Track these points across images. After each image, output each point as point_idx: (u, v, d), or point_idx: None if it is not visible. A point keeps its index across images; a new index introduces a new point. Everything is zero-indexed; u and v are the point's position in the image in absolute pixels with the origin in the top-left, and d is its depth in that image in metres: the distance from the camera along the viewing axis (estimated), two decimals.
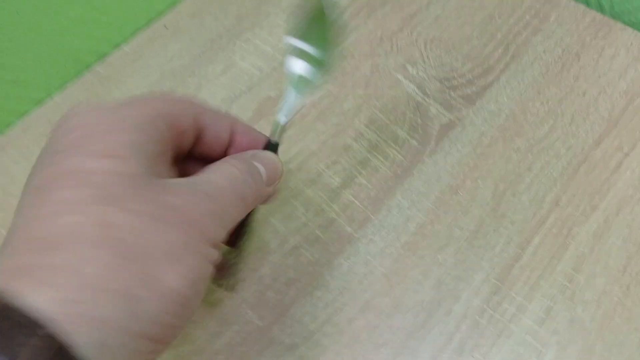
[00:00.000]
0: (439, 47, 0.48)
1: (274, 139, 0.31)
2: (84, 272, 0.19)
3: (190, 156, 0.29)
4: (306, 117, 0.44)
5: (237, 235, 0.31)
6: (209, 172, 0.25)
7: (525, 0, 0.50)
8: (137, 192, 0.21)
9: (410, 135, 0.43)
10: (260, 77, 0.47)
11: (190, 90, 0.46)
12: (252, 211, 0.30)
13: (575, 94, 0.45)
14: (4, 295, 0.18)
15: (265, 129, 0.43)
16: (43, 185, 0.21)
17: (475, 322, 0.36)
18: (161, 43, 0.49)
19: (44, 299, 0.18)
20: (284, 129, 0.31)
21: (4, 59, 0.41)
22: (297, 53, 0.32)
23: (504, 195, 0.40)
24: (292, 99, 0.31)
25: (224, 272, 0.33)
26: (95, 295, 0.19)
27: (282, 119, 0.31)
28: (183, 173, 0.27)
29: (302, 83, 0.31)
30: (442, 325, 0.36)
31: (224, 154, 0.29)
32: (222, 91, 0.46)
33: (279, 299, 0.37)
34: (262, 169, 0.28)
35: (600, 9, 0.52)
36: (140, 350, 0.20)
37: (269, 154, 0.30)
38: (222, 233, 0.24)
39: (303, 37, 0.32)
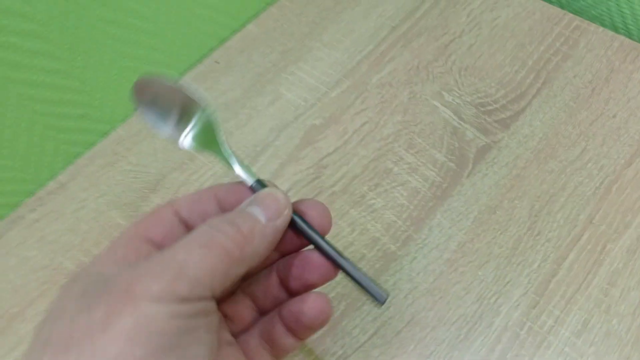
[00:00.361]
0: (473, 75, 0.51)
1: (252, 179, 0.29)
2: None
3: None
4: (349, 144, 0.48)
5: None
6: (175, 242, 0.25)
7: (554, 27, 0.53)
8: (79, 299, 0.23)
9: (448, 159, 0.46)
10: (305, 107, 0.50)
11: (241, 121, 0.50)
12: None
13: (606, 116, 0.47)
14: None
15: (312, 156, 0.47)
16: None
17: (516, 334, 0.38)
18: (213, 77, 0.53)
19: None
20: (248, 169, 0.29)
21: (76, 97, 0.46)
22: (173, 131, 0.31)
23: (540, 214, 0.43)
24: (223, 149, 0.30)
25: None
26: None
27: (237, 169, 0.29)
28: None
29: (203, 135, 0.31)
30: (484, 338, 0.38)
31: None
32: (270, 121, 0.50)
33: None
34: (256, 210, 0.27)
35: (629, 34, 0.54)
36: None
37: (259, 193, 0.28)
38: (183, 287, 0.23)
39: (163, 115, 0.31)
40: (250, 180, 0.29)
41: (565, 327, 0.38)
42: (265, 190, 0.28)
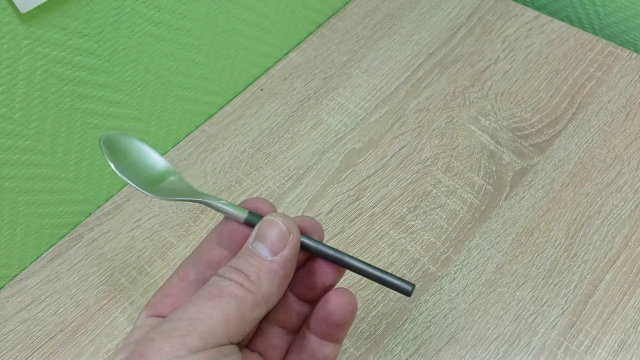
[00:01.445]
0: (508, 100, 0.52)
1: (244, 215, 0.28)
2: None
3: None
4: (388, 167, 0.50)
5: None
6: None
7: (588, 53, 0.54)
8: None
9: (485, 182, 0.48)
10: (345, 131, 0.53)
11: (285, 145, 0.52)
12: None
13: None
14: None
15: (352, 178, 0.49)
16: None
17: (553, 353, 0.39)
18: (258, 104, 0.55)
19: None
20: (231, 206, 0.28)
21: (133, 124, 0.49)
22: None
23: (576, 237, 0.44)
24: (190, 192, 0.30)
25: None
26: None
27: (220, 205, 0.28)
28: None
29: (172, 183, 0.30)
30: (522, 356, 0.39)
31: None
32: (312, 145, 0.52)
33: (372, 330, 0.42)
34: (259, 247, 0.26)
35: None
36: None
37: (260, 226, 0.27)
38: (196, 340, 0.23)
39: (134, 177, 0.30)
40: (242, 216, 0.28)
41: (602, 347, 0.39)
42: (265, 220, 0.27)
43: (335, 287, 0.29)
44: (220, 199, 0.28)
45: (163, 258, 0.47)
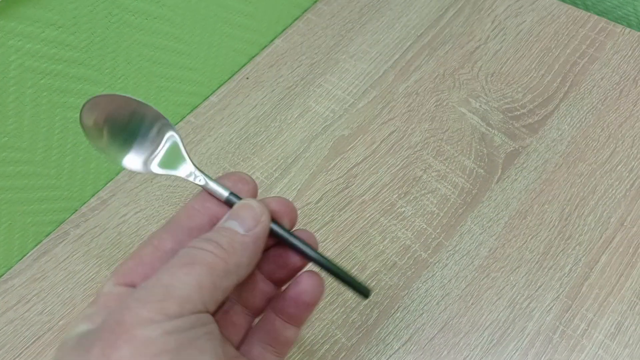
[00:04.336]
0: (499, 81, 0.51)
1: (225, 194, 0.28)
2: None
3: None
4: (378, 153, 0.49)
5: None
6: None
7: (580, 30, 0.53)
8: (75, 347, 0.24)
9: (477, 165, 0.47)
10: (333, 118, 0.52)
11: (272, 134, 0.51)
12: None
13: (635, 118, 0.47)
14: None
15: (342, 165, 0.48)
16: None
17: (549, 338, 0.39)
18: (244, 93, 0.54)
19: None
20: (215, 183, 0.28)
21: None
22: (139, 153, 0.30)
23: (570, 218, 0.43)
24: (185, 164, 0.29)
25: None
26: None
27: (201, 180, 0.29)
28: None
29: (168, 155, 0.30)
30: (517, 342, 0.39)
31: None
32: (300, 133, 0.51)
33: (364, 320, 0.41)
34: (232, 223, 0.27)
35: None
36: None
37: (234, 207, 0.28)
38: (173, 306, 0.23)
39: (125, 141, 0.30)
40: (224, 193, 0.28)
41: (598, 330, 0.38)
42: (241, 203, 0.28)
43: (306, 269, 0.30)
44: (208, 176, 0.29)
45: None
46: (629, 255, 0.41)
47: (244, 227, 0.27)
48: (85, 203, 0.50)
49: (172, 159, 0.30)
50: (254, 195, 0.30)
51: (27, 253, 0.48)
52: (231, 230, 0.27)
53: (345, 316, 0.41)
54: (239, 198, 0.28)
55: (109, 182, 0.51)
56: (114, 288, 0.27)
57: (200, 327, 0.24)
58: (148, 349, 0.22)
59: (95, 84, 0.45)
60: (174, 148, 0.30)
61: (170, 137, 0.30)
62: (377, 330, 0.40)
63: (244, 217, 0.27)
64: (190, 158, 0.30)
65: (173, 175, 0.30)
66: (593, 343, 0.38)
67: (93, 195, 0.50)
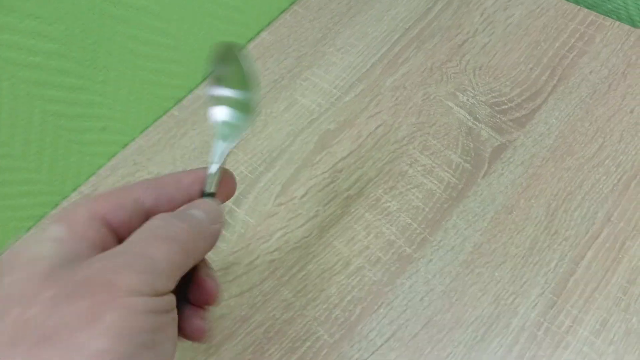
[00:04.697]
0: (487, 74, 0.51)
1: (209, 189, 0.30)
2: None
3: None
4: (364, 147, 0.48)
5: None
6: (132, 235, 0.25)
7: (569, 24, 0.52)
8: (49, 282, 0.22)
9: (463, 159, 0.46)
10: (319, 111, 0.51)
11: (257, 128, 0.50)
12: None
13: (623, 112, 0.47)
14: None
15: (327, 160, 0.47)
16: None
17: (533, 334, 0.38)
18: None
19: None
20: (214, 177, 0.30)
21: (97, 110, 0.47)
22: (217, 101, 0.32)
23: (557, 213, 0.42)
24: (220, 148, 0.31)
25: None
26: None
27: (212, 168, 0.30)
28: None
29: (226, 129, 0.32)
30: (502, 338, 0.38)
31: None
32: (286, 127, 0.50)
33: (346, 316, 0.40)
34: (198, 213, 0.28)
35: None
36: None
37: (203, 200, 0.29)
38: (158, 281, 0.23)
39: (222, 84, 0.32)
40: (210, 189, 0.30)
41: (583, 326, 0.38)
42: (212, 200, 0.30)
43: None
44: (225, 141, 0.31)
45: None
46: (615, 250, 0.40)
47: (208, 219, 0.28)
48: (66, 198, 0.49)
49: (229, 129, 0.32)
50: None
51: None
52: (198, 218, 0.27)
53: (327, 312, 0.41)
54: (212, 197, 0.30)
55: (91, 176, 0.50)
56: (86, 215, 0.26)
57: (170, 312, 0.24)
58: (132, 322, 0.22)
59: (75, 76, 0.44)
60: (235, 126, 0.32)
61: (245, 119, 0.32)
62: (359, 327, 0.40)
63: (209, 211, 0.28)
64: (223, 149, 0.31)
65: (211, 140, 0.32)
66: (578, 339, 0.37)
67: (74, 190, 0.49)
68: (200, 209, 0.28)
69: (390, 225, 0.44)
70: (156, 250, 0.24)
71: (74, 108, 0.45)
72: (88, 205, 0.26)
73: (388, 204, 0.45)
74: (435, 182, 0.45)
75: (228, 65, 0.31)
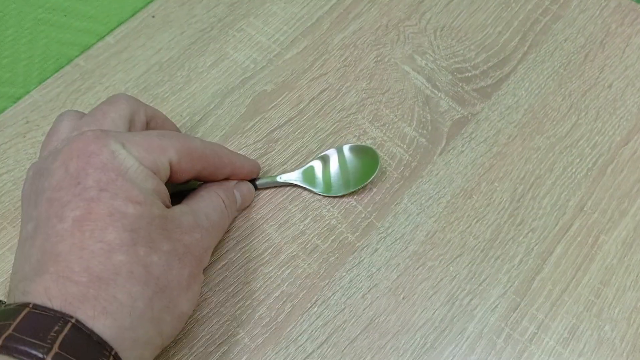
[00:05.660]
0: (450, 36, 0.44)
1: (259, 179, 0.37)
2: (134, 306, 0.25)
3: None
4: (305, 114, 0.41)
5: None
6: (205, 204, 0.32)
7: None
8: (162, 233, 0.27)
9: (418, 133, 0.39)
10: (254, 70, 0.43)
11: (178, 85, 0.42)
12: None
13: (601, 87, 0.41)
14: (80, 319, 0.23)
15: (261, 127, 0.40)
16: (83, 220, 0.25)
17: (492, 342, 0.32)
18: (148, 34, 0.45)
19: (107, 325, 0.24)
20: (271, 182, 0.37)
21: None
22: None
23: (523, 200, 0.37)
24: (299, 177, 0.37)
25: None
26: (141, 322, 0.25)
27: (280, 177, 0.37)
28: None
29: (316, 173, 0.37)
30: (455, 347, 0.32)
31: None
32: (213, 85, 0.42)
33: (273, 316, 0.33)
34: (238, 196, 0.35)
35: None
36: (154, 355, 0.27)
37: (249, 186, 0.36)
38: (209, 257, 0.31)
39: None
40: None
41: (549, 334, 0.32)
42: (252, 189, 0.37)
43: None
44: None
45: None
46: (587, 246, 0.35)
47: (239, 207, 0.36)
48: None
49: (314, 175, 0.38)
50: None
51: None
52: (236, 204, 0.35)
53: (250, 311, 0.34)
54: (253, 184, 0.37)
55: None
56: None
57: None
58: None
59: None
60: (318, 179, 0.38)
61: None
62: (288, 329, 0.33)
63: (246, 201, 0.36)
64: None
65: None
66: (543, 349, 0.32)
67: None
68: (242, 194, 0.35)
69: (332, 207, 0.37)
70: (218, 238, 0.33)
71: None
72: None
73: None
74: (386, 158, 0.39)
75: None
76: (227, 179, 0.35)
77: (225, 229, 0.34)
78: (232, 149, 0.39)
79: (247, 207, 0.37)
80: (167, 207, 0.28)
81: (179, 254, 0.27)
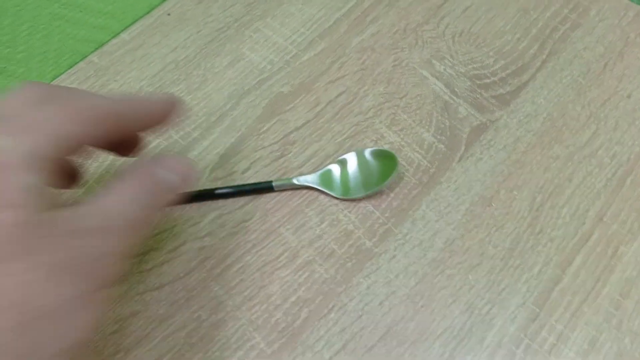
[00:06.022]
0: (468, 42, 0.43)
1: (276, 181, 0.37)
2: None
3: None
4: (322, 117, 0.40)
5: None
6: (111, 200, 0.24)
7: None
8: (41, 242, 0.21)
9: (437, 139, 0.39)
10: (271, 70, 0.43)
11: (193, 85, 0.42)
12: None
13: (619, 96, 0.41)
14: None
15: (277, 129, 0.39)
16: None
17: (511, 352, 0.32)
18: (164, 32, 0.44)
19: None
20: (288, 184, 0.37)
21: None
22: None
23: (542, 209, 0.36)
24: (315, 180, 0.37)
25: None
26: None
27: (297, 180, 0.37)
28: None
29: (329, 179, 0.37)
30: (474, 356, 0.32)
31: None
32: (229, 86, 0.42)
33: (289, 321, 0.33)
34: (170, 177, 0.27)
35: None
36: None
37: (179, 160, 0.29)
38: (126, 265, 0.24)
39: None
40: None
41: (569, 345, 0.32)
42: (184, 159, 0.29)
43: None
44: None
45: None
46: (607, 256, 0.35)
47: (181, 181, 0.28)
48: None
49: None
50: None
51: None
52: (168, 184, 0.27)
53: (267, 315, 0.33)
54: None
55: None
56: None
57: None
58: None
59: None
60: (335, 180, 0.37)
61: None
62: (304, 335, 0.33)
63: (185, 173, 0.28)
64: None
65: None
66: None
67: None
68: (175, 170, 0.28)
69: (349, 212, 0.37)
70: (134, 238, 0.24)
71: None
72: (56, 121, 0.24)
73: None
74: (404, 164, 0.38)
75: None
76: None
77: (153, 221, 0.26)
78: (244, 150, 0.39)
79: (264, 208, 0.36)
80: (56, 205, 0.22)
81: (54, 268, 0.21)
